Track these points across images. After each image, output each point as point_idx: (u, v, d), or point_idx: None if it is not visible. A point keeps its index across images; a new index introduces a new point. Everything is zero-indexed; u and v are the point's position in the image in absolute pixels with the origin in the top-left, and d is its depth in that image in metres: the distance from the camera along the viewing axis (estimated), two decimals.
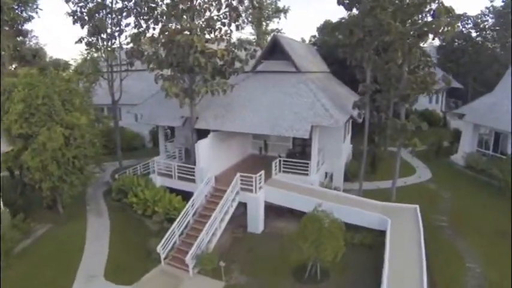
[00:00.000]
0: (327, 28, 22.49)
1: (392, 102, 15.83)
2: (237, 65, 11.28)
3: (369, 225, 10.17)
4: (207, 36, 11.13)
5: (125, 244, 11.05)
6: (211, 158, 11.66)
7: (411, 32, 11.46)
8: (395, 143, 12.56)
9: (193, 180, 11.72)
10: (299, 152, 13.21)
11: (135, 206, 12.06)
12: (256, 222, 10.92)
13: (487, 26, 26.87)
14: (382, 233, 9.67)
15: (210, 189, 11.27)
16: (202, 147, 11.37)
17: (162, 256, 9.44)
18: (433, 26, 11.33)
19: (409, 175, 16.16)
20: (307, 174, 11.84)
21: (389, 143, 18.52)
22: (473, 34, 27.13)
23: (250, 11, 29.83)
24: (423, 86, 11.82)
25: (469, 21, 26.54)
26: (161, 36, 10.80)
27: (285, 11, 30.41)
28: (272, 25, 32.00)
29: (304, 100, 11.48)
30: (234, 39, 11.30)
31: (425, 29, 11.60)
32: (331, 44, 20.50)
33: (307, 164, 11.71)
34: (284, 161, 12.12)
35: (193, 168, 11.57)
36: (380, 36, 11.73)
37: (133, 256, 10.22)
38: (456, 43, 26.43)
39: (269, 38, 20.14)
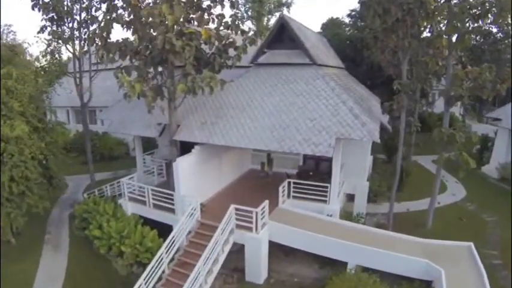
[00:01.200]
0: (334, 25, 18.84)
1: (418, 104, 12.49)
2: (232, 53, 7.78)
3: (411, 274, 6.88)
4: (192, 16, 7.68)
5: None
6: (196, 180, 8.20)
7: (469, 11, 8.10)
8: (440, 160, 9.23)
9: (172, 211, 8.26)
10: (312, 169, 9.79)
11: (96, 243, 8.76)
12: (257, 269, 7.50)
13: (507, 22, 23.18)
14: (425, 285, 6.50)
15: (195, 224, 7.90)
16: (183, 167, 7.83)
17: None
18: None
19: (441, 192, 12.74)
20: (325, 202, 8.41)
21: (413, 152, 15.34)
22: (494, 30, 23.42)
23: (249, 4, 26.39)
24: (481, 85, 8.42)
25: (490, 15, 22.73)
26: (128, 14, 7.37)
27: (288, 4, 26.80)
28: (273, 20, 28.52)
29: (323, 103, 7.98)
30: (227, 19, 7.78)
31: (487, 6, 8.23)
32: (343, 37, 16.95)
33: (326, 188, 8.35)
34: (295, 183, 8.65)
35: (172, 195, 8.19)
36: (424, 18, 8.37)
37: None
38: (474, 41, 22.76)
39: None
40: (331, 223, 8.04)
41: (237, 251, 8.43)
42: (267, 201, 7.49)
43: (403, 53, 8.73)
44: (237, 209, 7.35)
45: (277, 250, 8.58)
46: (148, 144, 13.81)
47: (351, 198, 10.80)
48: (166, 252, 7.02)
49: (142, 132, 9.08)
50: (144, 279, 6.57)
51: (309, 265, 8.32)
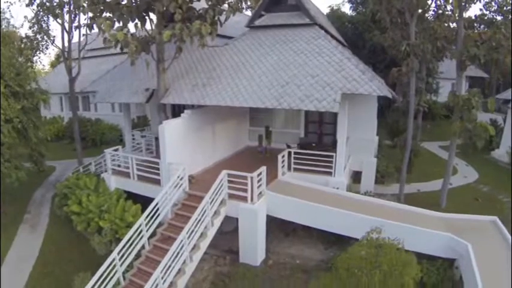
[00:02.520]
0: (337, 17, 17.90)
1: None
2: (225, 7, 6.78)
3: (433, 251, 5.49)
4: None
5: (49, 280, 6.49)
6: (185, 150, 6.97)
7: None
8: (454, 128, 7.99)
9: (158, 182, 6.98)
10: (315, 141, 8.58)
11: (74, 219, 7.52)
12: (253, 247, 6.14)
13: None
14: (448, 264, 5.25)
15: (182, 196, 6.68)
16: (170, 131, 6.64)
17: None
18: None
19: (452, 175, 11.74)
20: (330, 174, 7.15)
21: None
22: (498, 18, 22.42)
23: None
24: (495, 45, 7.34)
25: (493, 3, 21.96)
26: None
27: None
28: None
29: (326, 60, 6.84)
30: None
31: None
32: (345, 20, 16.03)
33: (331, 158, 7.08)
34: (296, 153, 7.35)
35: (158, 164, 6.89)
36: None
37: None
38: (477, 29, 21.80)
39: None
40: (338, 196, 6.72)
41: (232, 232, 7.13)
42: (264, 167, 6.25)
43: (410, 13, 7.71)
44: (229, 176, 6.12)
45: (276, 230, 7.24)
46: (140, 122, 12.71)
47: (356, 179, 9.54)
48: (146, 225, 5.79)
49: (128, 99, 7.99)
50: (119, 254, 5.31)
51: (313, 246, 6.95)
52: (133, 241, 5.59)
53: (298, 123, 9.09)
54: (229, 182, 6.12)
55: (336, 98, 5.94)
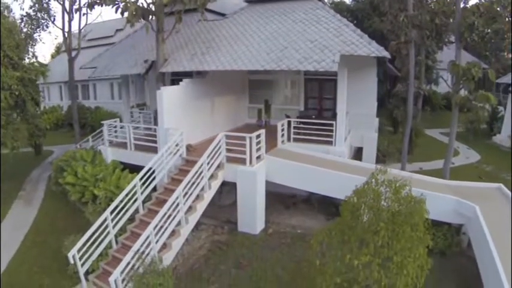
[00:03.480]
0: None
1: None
2: None
3: (440, 216, 5.09)
4: None
5: (41, 248, 6.14)
6: (182, 118, 6.76)
7: None
8: (454, 96, 7.74)
9: (155, 150, 6.71)
10: (315, 114, 8.34)
11: (70, 189, 7.24)
12: (253, 215, 5.83)
13: None
14: (455, 230, 5.05)
15: (179, 162, 6.40)
16: (169, 97, 6.45)
17: (81, 269, 4.55)
18: None
19: (454, 156, 11.47)
20: (331, 144, 6.86)
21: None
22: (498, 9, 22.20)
23: None
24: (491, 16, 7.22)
25: None
26: None
27: None
28: None
29: (324, 27, 6.64)
30: None
31: None
32: (343, 8, 16.03)
33: (331, 126, 6.78)
34: (296, 122, 7.13)
35: (155, 131, 6.67)
36: None
37: (46, 268, 5.34)
38: (476, 18, 21.55)
39: None
40: (340, 163, 6.42)
41: (231, 205, 6.84)
42: (263, 130, 6.01)
43: None
44: (227, 137, 5.89)
45: (276, 203, 6.94)
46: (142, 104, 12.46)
47: (357, 157, 9.26)
48: (141, 188, 5.52)
49: (127, 71, 7.88)
50: (111, 214, 5.03)
51: (314, 217, 6.63)
52: (126, 203, 5.33)
53: (298, 100, 8.91)
54: (228, 145, 5.87)
55: (335, 59, 5.78)
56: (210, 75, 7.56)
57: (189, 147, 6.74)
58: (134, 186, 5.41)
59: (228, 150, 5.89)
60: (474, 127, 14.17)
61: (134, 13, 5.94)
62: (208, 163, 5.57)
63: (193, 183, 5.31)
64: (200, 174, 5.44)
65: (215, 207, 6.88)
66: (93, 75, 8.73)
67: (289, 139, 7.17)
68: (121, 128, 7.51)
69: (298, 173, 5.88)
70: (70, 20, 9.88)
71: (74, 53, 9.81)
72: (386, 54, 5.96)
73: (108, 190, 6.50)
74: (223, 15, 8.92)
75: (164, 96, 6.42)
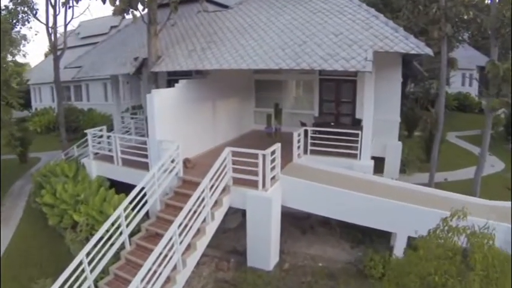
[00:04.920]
0: None
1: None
2: None
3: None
4: None
5: (9, 286, 4.94)
6: (179, 128, 5.44)
7: None
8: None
9: (146, 167, 5.38)
10: (332, 121, 7.07)
11: (47, 212, 5.95)
12: (266, 248, 4.54)
13: None
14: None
15: (175, 184, 5.12)
16: (161, 102, 5.09)
17: None
18: None
19: (476, 163, 10.36)
20: (354, 157, 5.61)
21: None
22: None
23: None
24: None
25: None
26: None
27: None
28: None
29: (349, 18, 5.31)
30: None
31: None
32: None
33: (356, 137, 5.48)
34: (314, 132, 5.79)
35: (146, 143, 5.32)
36: None
37: None
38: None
39: None
40: (367, 181, 5.17)
41: (236, 229, 5.59)
42: (278, 144, 4.73)
43: None
44: (234, 154, 4.60)
45: (289, 227, 5.65)
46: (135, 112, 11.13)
47: (376, 168, 8.04)
48: (127, 218, 4.26)
49: (115, 71, 6.53)
50: (89, 255, 3.78)
51: (336, 244, 5.38)
52: (109, 238, 4.08)
53: (312, 103, 7.60)
54: (235, 163, 4.60)
55: (368, 56, 4.48)
56: (212, 75, 6.24)
57: (186, 163, 5.45)
58: (119, 216, 4.16)
59: (235, 170, 4.61)
60: (494, 131, 13.05)
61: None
62: (211, 188, 4.30)
63: (193, 214, 4.06)
64: (202, 202, 4.19)
65: (218, 232, 5.53)
66: (78, 76, 7.34)
67: (305, 151, 5.89)
68: (107, 137, 6.17)
69: (322, 197, 4.60)
70: (55, 15, 8.45)
71: (74, 51, 8.40)
72: (428, 51, 4.68)
73: (90, 216, 5.23)
74: (226, 7, 7.56)
75: (156, 101, 5.08)
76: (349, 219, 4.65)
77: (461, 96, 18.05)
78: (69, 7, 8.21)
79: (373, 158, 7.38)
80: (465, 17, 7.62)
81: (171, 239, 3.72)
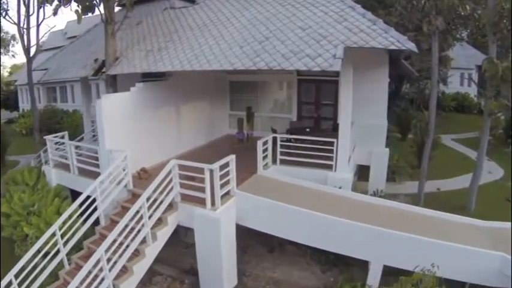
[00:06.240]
0: None
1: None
2: None
3: (479, 279, 3.14)
4: None
5: None
6: (134, 135, 4.82)
7: None
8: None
9: (98, 176, 4.93)
10: (310, 126, 6.23)
11: (3, 223, 5.49)
12: (217, 272, 3.83)
13: None
14: None
15: (124, 196, 4.52)
16: (112, 108, 4.48)
17: None
18: None
19: (473, 170, 9.22)
20: (330, 168, 4.83)
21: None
22: None
23: None
24: None
25: None
26: None
27: None
28: None
29: (321, 9, 4.49)
30: None
31: None
32: None
33: (332, 145, 4.67)
34: (283, 140, 5.03)
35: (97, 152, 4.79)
36: None
37: None
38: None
39: None
40: (341, 198, 4.38)
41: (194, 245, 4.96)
42: (232, 156, 4.02)
43: None
44: (181, 168, 3.95)
45: (255, 243, 4.94)
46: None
47: (362, 176, 7.20)
48: (63, 236, 3.70)
49: (76, 73, 5.96)
50: (16, 277, 3.25)
51: (305, 267, 4.62)
52: (45, 256, 3.55)
53: (290, 107, 6.82)
54: (182, 177, 3.93)
55: (337, 53, 3.69)
56: (176, 77, 5.58)
57: (141, 173, 4.85)
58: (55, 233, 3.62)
59: (183, 185, 3.95)
60: (493, 134, 11.82)
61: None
62: (149, 206, 3.66)
63: (128, 234, 3.45)
64: (140, 220, 3.58)
65: (179, 247, 4.96)
66: (43, 79, 6.86)
67: (274, 161, 5.15)
68: (61, 144, 5.64)
69: (282, 216, 3.86)
70: (29, 15, 7.99)
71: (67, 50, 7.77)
72: (411, 46, 3.83)
73: (39, 228, 4.73)
74: (193, 2, 6.85)
75: (104, 108, 4.46)
76: (315, 244, 3.90)
77: (460, 96, 16.67)
78: (40, 7, 7.72)
79: (358, 166, 6.65)
80: (462, 13, 6.61)
81: (98, 261, 3.13)
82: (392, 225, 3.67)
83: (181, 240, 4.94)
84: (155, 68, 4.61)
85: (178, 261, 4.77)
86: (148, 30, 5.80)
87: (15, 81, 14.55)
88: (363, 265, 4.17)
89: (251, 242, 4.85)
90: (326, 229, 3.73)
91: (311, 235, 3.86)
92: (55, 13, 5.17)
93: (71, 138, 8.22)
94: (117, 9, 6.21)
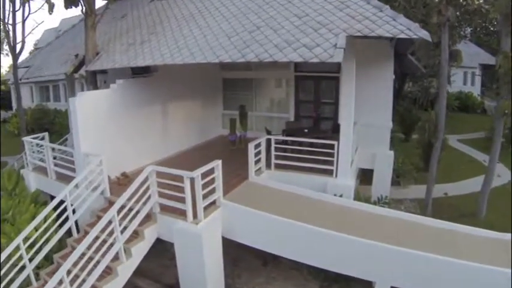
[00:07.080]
0: None
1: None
2: None
3: None
4: None
5: None
6: (114, 137, 4.32)
7: None
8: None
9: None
10: (309, 126, 5.65)
11: None
12: None
13: None
14: None
15: (101, 205, 4.05)
16: (88, 107, 3.96)
17: None
18: None
19: (481, 173, 8.47)
20: (330, 173, 4.30)
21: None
22: None
23: None
24: None
25: None
26: None
27: None
28: None
29: None
30: None
31: None
32: None
33: (332, 148, 4.09)
34: (278, 142, 4.45)
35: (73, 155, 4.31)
36: None
37: None
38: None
39: None
40: (342, 208, 3.81)
41: None
42: (218, 161, 3.48)
43: None
44: (159, 175, 3.43)
45: (248, 255, 4.41)
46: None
47: (364, 180, 6.62)
48: (31, 249, 3.22)
49: (56, 70, 5.48)
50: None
51: (302, 283, 4.05)
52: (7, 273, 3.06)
53: (287, 106, 6.25)
54: (161, 187, 3.41)
55: (338, 43, 3.13)
56: (163, 73, 5.05)
57: (120, 179, 4.34)
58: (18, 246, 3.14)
59: (162, 195, 3.43)
60: (502, 134, 11.11)
61: None
62: (123, 217, 3.15)
63: (100, 247, 2.96)
64: (113, 233, 3.08)
65: (164, 258, 4.44)
66: (25, 77, 6.37)
67: (269, 165, 4.61)
68: (41, 146, 5.15)
69: (275, 230, 3.31)
70: (14, 10, 7.51)
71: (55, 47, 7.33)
72: (424, 34, 3.25)
73: (10, 238, 4.25)
74: None
75: (79, 107, 3.93)
76: (312, 262, 3.35)
77: (463, 95, 15.93)
78: (25, 2, 7.22)
79: (361, 169, 6.08)
80: (468, 8, 5.98)
81: (61, 281, 2.64)
82: (400, 240, 3.12)
83: (167, 250, 4.45)
84: (135, 62, 4.08)
85: (162, 274, 4.25)
86: (133, 23, 5.27)
87: (9, 80, 14.16)
88: (365, 282, 3.65)
89: (242, 253, 4.31)
90: (325, 245, 3.18)
91: (308, 252, 3.31)
92: (51, 11, 4.73)
93: (64, 135, 7.65)
94: (103, 2, 5.73)
